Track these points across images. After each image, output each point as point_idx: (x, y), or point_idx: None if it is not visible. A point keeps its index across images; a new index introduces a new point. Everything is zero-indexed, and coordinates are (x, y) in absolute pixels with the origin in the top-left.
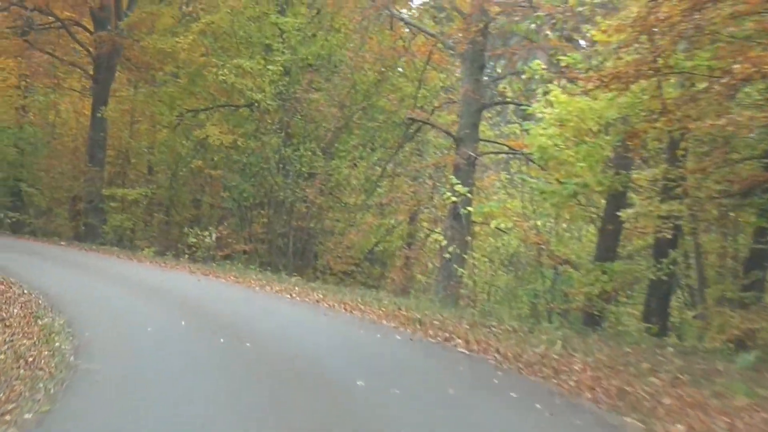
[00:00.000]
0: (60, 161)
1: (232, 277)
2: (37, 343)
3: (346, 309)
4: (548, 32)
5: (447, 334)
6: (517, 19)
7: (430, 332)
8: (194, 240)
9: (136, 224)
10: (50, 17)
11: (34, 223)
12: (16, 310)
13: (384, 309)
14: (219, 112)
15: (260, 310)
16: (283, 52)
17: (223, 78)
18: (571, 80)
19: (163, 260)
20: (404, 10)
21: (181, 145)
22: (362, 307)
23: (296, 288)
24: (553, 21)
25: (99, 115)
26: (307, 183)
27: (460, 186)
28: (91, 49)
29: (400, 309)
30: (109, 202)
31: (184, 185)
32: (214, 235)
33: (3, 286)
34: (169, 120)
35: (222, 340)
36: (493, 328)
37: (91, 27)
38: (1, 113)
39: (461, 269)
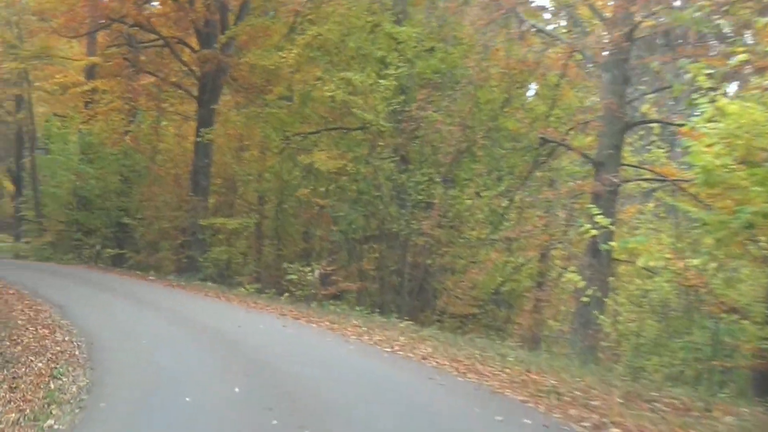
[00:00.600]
0: (162, 190)
1: (326, 323)
2: (22, 420)
3: (459, 370)
4: (720, 21)
5: (596, 417)
6: (677, 3)
7: (572, 412)
8: (294, 277)
9: (237, 258)
10: (152, 35)
11: (134, 256)
12: (40, 365)
13: (508, 371)
14: (329, 135)
15: (346, 370)
16: (398, 67)
17: (331, 94)
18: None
19: (256, 299)
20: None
21: (287, 171)
22: (480, 366)
23: (401, 338)
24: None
25: (202, 139)
26: (424, 214)
27: (601, 217)
28: (195, 69)
29: (528, 371)
30: (208, 233)
31: (293, 216)
32: (317, 272)
33: (47, 330)
34: (275, 144)
35: (275, 422)
36: (656, 404)
37: (195, 45)
38: (106, 138)
39: (601, 316)
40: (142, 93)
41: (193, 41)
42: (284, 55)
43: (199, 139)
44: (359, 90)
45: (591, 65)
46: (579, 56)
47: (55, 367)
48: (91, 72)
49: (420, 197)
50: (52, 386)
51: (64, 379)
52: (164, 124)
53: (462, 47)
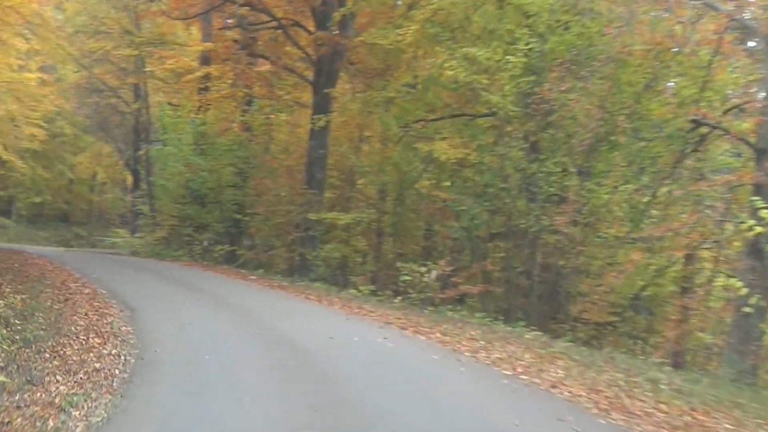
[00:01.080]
0: (276, 183)
1: (437, 334)
2: None
3: (599, 406)
4: None
5: None
6: None
7: None
8: (408, 278)
9: (355, 257)
10: (266, 16)
11: (245, 254)
12: (62, 388)
13: (664, 407)
14: (452, 122)
15: (449, 407)
16: (528, 42)
17: (452, 72)
18: None
19: (362, 303)
20: None
21: (406, 162)
22: (627, 400)
23: (526, 356)
24: None
25: (315, 126)
26: (556, 209)
27: (767, 211)
28: (311, 52)
29: (693, 409)
30: (320, 229)
31: (413, 211)
32: (434, 273)
33: (99, 340)
34: (394, 133)
35: None
36: None
37: (311, 27)
38: (218, 128)
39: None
40: (257, 80)
41: (310, 24)
42: (402, 33)
43: (313, 127)
44: (485, 68)
45: (755, 39)
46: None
47: (75, 394)
48: (206, 60)
49: (552, 190)
50: (49, 426)
51: (73, 413)
52: (278, 114)
53: (601, 21)
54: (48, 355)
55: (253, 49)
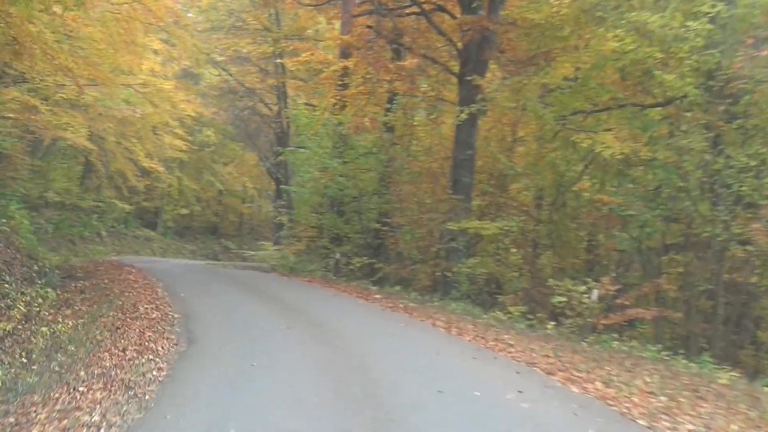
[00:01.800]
0: (418, 188)
1: (596, 383)
2: None
3: None
4: None
5: None
6: None
7: None
8: (563, 299)
9: (507, 273)
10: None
11: (385, 268)
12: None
13: None
14: (619, 112)
15: None
16: (714, 5)
17: (617, 45)
18: None
19: (502, 333)
20: None
21: (564, 161)
22: None
23: (733, 427)
24: None
25: (458, 120)
26: (748, 213)
27: None
28: (455, 40)
29: None
30: (462, 240)
31: (572, 218)
32: (595, 293)
33: (102, 394)
34: (549, 128)
35: None
36: None
37: (456, 12)
38: (357, 128)
39: None
40: (398, 74)
41: (455, 8)
42: (557, 3)
43: (457, 120)
44: (657, 39)
45: None
46: None
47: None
48: (346, 56)
49: (744, 190)
50: None
51: None
52: (422, 111)
53: None
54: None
55: (391, 35)
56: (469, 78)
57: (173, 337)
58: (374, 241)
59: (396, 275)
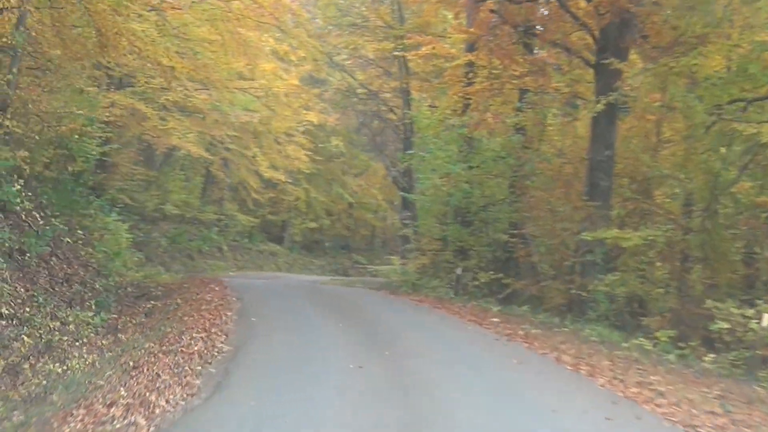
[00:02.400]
0: (551, 195)
1: None
2: None
3: None
4: None
5: None
6: None
7: None
8: (725, 325)
9: (653, 289)
10: None
11: (514, 284)
12: None
13: None
14: None
15: None
16: None
17: None
18: None
19: (651, 366)
20: None
21: (718, 158)
22: None
23: None
24: None
25: (593, 111)
26: None
27: None
28: (591, 24)
29: None
30: (599, 251)
31: (729, 226)
32: (767, 318)
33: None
34: (700, 121)
35: None
36: None
37: None
38: (483, 129)
39: None
40: (528, 68)
41: None
42: None
43: (595, 112)
44: None
45: None
46: None
47: None
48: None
49: None
50: None
51: None
52: (553, 111)
53: None
54: None
55: (518, 19)
56: (606, 62)
57: (197, 382)
58: (502, 255)
59: (525, 292)
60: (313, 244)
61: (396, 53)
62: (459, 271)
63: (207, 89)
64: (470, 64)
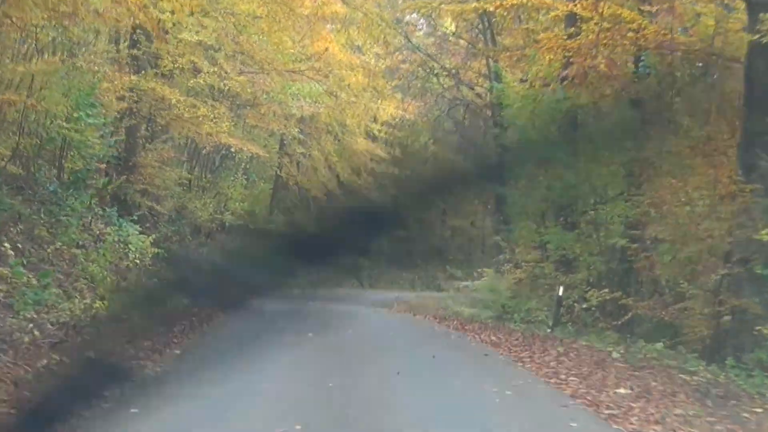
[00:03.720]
0: (685, 183)
1: None
2: None
3: None
4: None
5: None
6: None
7: None
8: None
9: None
10: None
11: (636, 306)
12: None
13: None
14: None
15: None
16: None
17: None
18: None
19: None
20: None
21: None
22: None
23: None
24: None
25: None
26: None
27: None
28: None
29: None
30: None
31: None
32: None
33: None
34: None
35: None
36: None
37: None
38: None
39: None
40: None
41: None
42: None
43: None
44: None
45: None
46: None
47: None
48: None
49: None
50: None
51: None
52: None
53: None
54: None
55: None
56: None
57: None
58: (619, 266)
59: (652, 317)
60: (403, 256)
61: (477, 4)
62: (560, 291)
63: (252, 72)
64: (572, 18)
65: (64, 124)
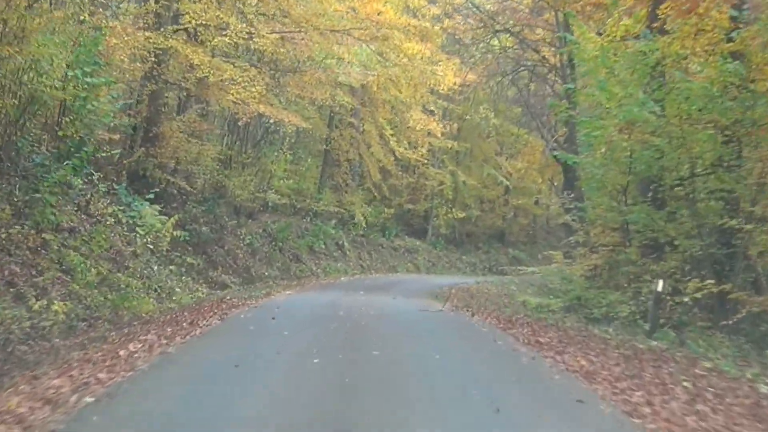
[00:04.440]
0: None
1: None
2: None
3: None
4: None
5: None
6: None
7: None
8: None
9: None
10: None
11: (746, 299)
12: None
13: None
14: None
15: None
16: None
17: None
18: None
19: None
20: None
21: None
22: None
23: None
24: None
25: None
26: None
27: None
28: None
29: None
30: None
31: None
32: None
33: None
34: None
35: None
36: None
37: None
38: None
39: None
40: None
41: None
42: None
43: None
44: None
45: None
46: None
47: None
48: None
49: None
50: None
51: None
52: None
53: None
54: None
55: None
56: None
57: None
58: (719, 251)
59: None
60: (464, 238)
61: None
62: (659, 286)
63: (288, 32)
64: None
65: (56, 83)
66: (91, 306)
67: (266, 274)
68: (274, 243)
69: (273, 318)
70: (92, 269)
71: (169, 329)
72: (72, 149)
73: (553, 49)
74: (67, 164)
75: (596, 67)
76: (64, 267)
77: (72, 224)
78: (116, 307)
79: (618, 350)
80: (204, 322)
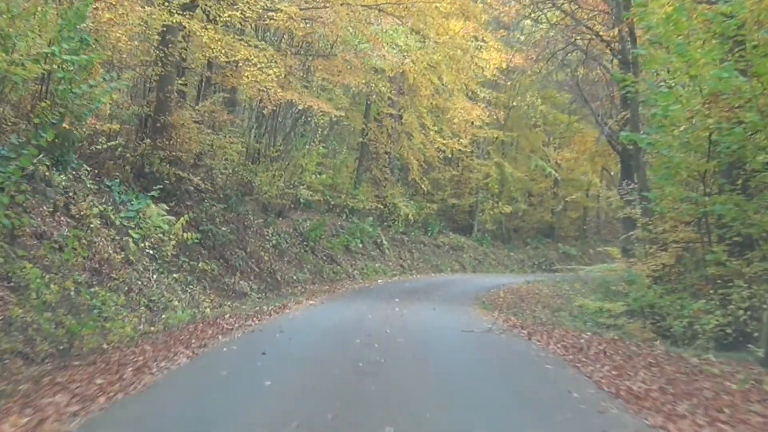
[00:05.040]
0: None
1: None
2: None
3: None
4: None
5: None
6: None
7: None
8: None
9: None
10: None
11: None
12: None
13: None
14: None
15: None
16: None
17: None
18: None
19: None
20: None
21: None
22: None
23: None
24: None
25: None
26: None
27: None
28: None
29: None
30: None
31: None
32: None
33: None
34: None
35: None
36: None
37: None
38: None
39: None
40: None
41: None
42: None
43: None
44: None
45: None
46: None
47: None
48: None
49: None
50: None
51: None
52: None
53: None
54: None
55: None
56: None
57: None
58: None
59: None
60: (511, 233)
61: None
62: (750, 295)
63: (313, 7)
64: None
65: (26, 59)
66: (34, 337)
67: (295, 277)
68: (305, 243)
69: (263, 353)
70: (53, 285)
71: (100, 380)
72: (57, 140)
73: (606, 27)
74: (23, 154)
75: (667, 33)
76: (12, 284)
77: (43, 228)
78: (73, 335)
79: (754, 402)
80: (163, 363)
